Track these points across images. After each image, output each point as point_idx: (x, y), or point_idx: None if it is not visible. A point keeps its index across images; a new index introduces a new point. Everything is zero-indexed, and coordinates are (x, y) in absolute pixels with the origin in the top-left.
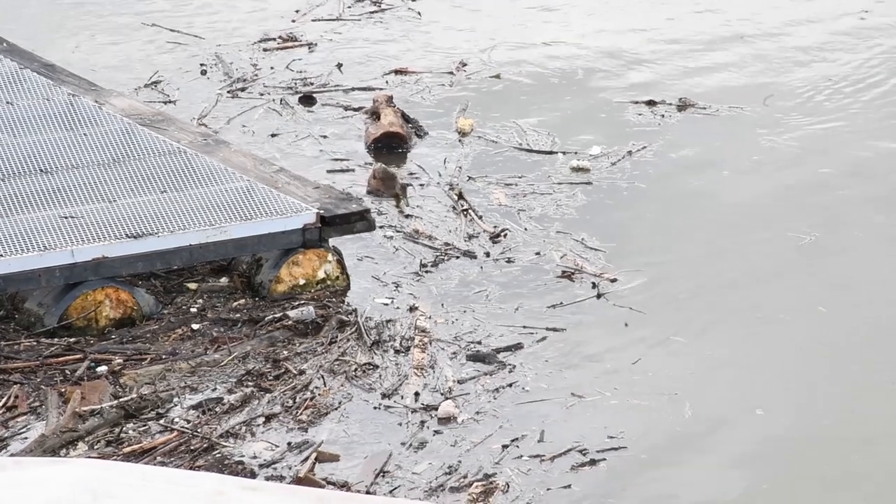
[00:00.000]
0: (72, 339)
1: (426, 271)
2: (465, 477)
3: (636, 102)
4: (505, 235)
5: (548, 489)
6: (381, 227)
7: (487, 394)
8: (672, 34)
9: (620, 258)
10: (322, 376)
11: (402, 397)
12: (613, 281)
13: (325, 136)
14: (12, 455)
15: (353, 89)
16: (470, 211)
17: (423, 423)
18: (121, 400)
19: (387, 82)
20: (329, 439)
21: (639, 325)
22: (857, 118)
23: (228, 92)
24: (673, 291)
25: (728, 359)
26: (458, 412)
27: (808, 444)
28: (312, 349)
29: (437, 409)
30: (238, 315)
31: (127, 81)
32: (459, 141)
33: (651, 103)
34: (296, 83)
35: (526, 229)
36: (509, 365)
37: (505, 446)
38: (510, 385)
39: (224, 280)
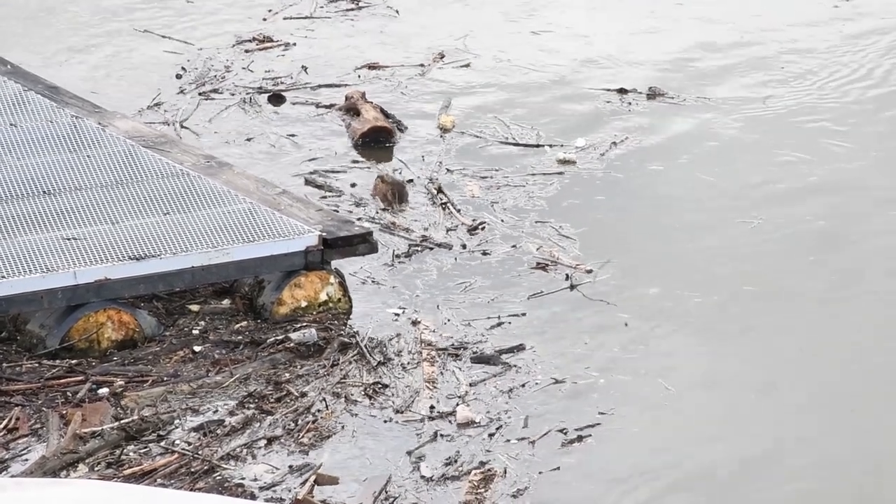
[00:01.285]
0: (73, 361)
1: (399, 262)
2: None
3: (608, 90)
4: (483, 228)
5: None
6: (358, 218)
7: (501, 394)
8: (650, 28)
9: (592, 248)
10: (324, 398)
11: (417, 412)
12: (589, 272)
13: (292, 135)
14: (13, 476)
15: (323, 86)
16: (449, 204)
17: (436, 433)
18: (122, 422)
19: (359, 76)
20: (331, 462)
21: (615, 315)
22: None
23: (201, 94)
24: (644, 280)
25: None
26: (476, 416)
27: (773, 410)
28: (314, 371)
29: (453, 415)
30: (240, 337)
31: (118, 92)
32: (441, 137)
33: (622, 91)
34: (265, 83)
35: (503, 220)
36: (514, 366)
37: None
38: (522, 385)
39: (226, 302)
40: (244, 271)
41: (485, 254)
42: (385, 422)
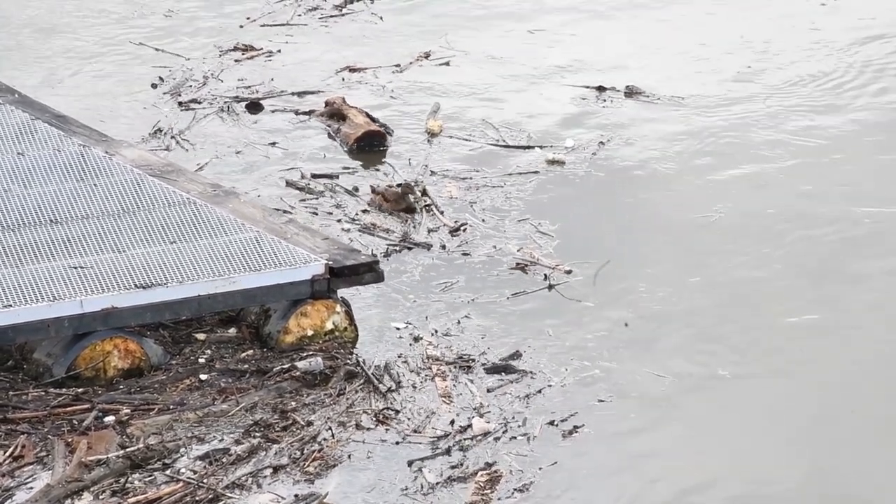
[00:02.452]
0: (80, 390)
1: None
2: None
3: (587, 87)
4: (465, 230)
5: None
6: (337, 220)
7: (518, 400)
8: (630, 35)
9: (571, 248)
10: (330, 427)
11: (436, 429)
12: (568, 272)
13: (273, 143)
14: None
15: (305, 93)
16: (433, 206)
17: (449, 449)
18: (127, 450)
19: (343, 79)
20: (337, 492)
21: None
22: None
23: (180, 104)
24: (627, 280)
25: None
26: (491, 426)
27: (763, 402)
28: (320, 400)
29: (471, 427)
30: (246, 366)
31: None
32: (428, 141)
33: (601, 89)
34: (241, 91)
35: (484, 220)
36: (529, 372)
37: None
38: (539, 391)
39: (232, 331)
40: (250, 300)
41: (465, 254)
42: (396, 443)
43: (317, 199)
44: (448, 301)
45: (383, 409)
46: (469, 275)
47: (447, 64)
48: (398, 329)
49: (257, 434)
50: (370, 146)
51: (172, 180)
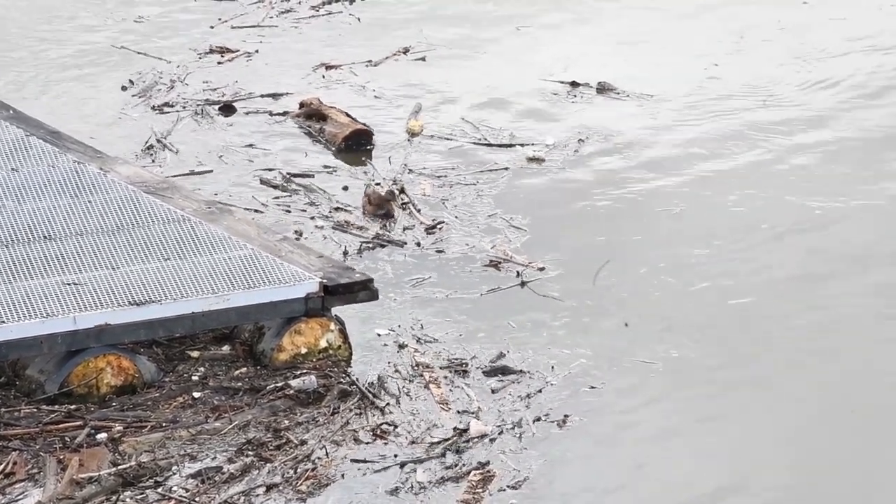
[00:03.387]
0: (72, 406)
1: (350, 258)
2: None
3: (562, 83)
4: (441, 228)
5: None
6: (311, 217)
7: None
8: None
9: (541, 244)
10: (325, 446)
11: (436, 437)
12: (541, 269)
13: (250, 145)
14: None
15: (278, 95)
16: (409, 204)
17: (446, 452)
18: (119, 467)
19: (323, 76)
20: None
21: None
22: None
23: (154, 108)
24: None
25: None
26: (488, 429)
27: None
28: (314, 419)
29: (467, 430)
30: (239, 384)
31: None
32: (409, 141)
33: (574, 84)
34: (211, 94)
35: (456, 217)
36: (526, 372)
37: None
38: (539, 391)
39: (226, 348)
40: (245, 317)
41: (439, 252)
42: (395, 455)
43: (290, 196)
44: (424, 298)
45: (381, 424)
46: (443, 272)
47: (423, 59)
48: (379, 335)
49: (250, 452)
50: (357, 145)
51: (167, 197)
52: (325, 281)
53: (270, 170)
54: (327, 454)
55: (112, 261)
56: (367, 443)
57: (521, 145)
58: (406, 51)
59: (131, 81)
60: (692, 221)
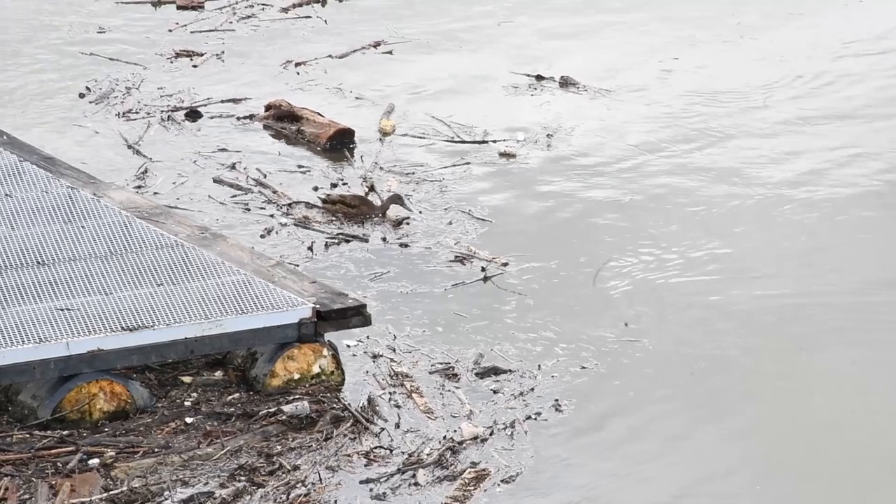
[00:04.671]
0: (65, 432)
1: (315, 256)
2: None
3: (528, 75)
4: (407, 223)
5: None
6: (270, 215)
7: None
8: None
9: (503, 239)
10: (318, 472)
11: (429, 452)
12: (505, 265)
13: (223, 148)
14: None
15: (241, 100)
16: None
17: (440, 457)
18: (111, 493)
19: (298, 73)
20: None
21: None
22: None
23: (121, 115)
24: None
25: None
26: (480, 429)
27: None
28: (307, 444)
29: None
30: (232, 409)
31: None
32: (380, 140)
33: (539, 78)
34: (166, 100)
35: (420, 212)
36: (516, 371)
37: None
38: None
39: (219, 374)
40: (237, 343)
41: (403, 246)
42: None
43: (245, 194)
44: (387, 293)
45: (374, 448)
46: (406, 268)
47: (390, 53)
48: (349, 346)
49: (242, 478)
50: (341, 144)
51: (160, 223)
52: (318, 306)
53: (246, 169)
54: (321, 479)
55: (105, 286)
56: (362, 467)
57: (494, 141)
58: (377, 45)
59: (88, 88)
60: (643, 208)
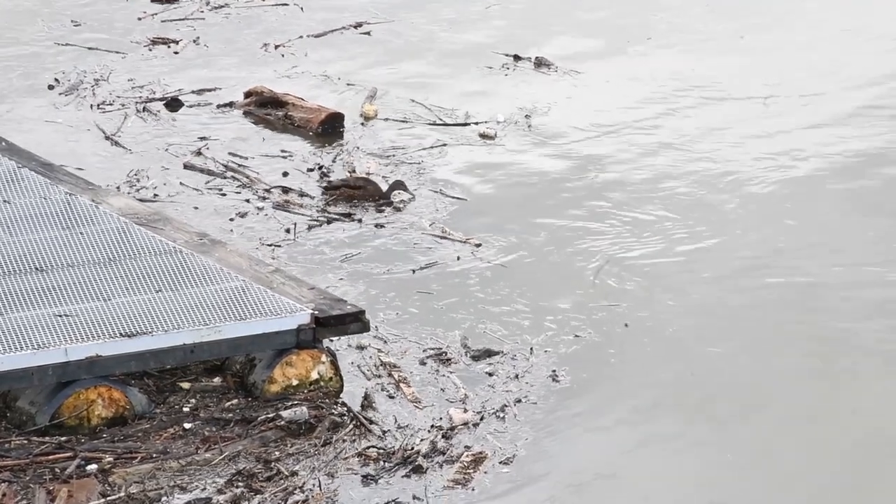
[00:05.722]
0: (63, 438)
1: (296, 234)
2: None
3: (506, 55)
4: (390, 204)
5: None
6: (246, 200)
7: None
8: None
9: (474, 219)
10: (317, 478)
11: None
12: (478, 245)
13: (203, 138)
14: None
15: (214, 89)
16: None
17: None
18: (108, 498)
19: (282, 55)
20: None
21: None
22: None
23: (95, 106)
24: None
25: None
26: (470, 416)
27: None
28: (305, 450)
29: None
30: (230, 415)
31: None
32: (362, 125)
33: (517, 58)
34: (137, 91)
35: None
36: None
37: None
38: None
39: (217, 380)
40: (236, 349)
41: (378, 226)
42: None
43: (216, 179)
44: (364, 275)
45: (368, 447)
46: (381, 249)
47: (368, 34)
48: (332, 340)
49: (240, 483)
50: (332, 128)
51: (159, 229)
52: (316, 312)
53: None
54: (319, 485)
55: (104, 292)
56: (360, 469)
57: (475, 123)
58: (358, 25)
59: (57, 80)
60: (611, 188)
